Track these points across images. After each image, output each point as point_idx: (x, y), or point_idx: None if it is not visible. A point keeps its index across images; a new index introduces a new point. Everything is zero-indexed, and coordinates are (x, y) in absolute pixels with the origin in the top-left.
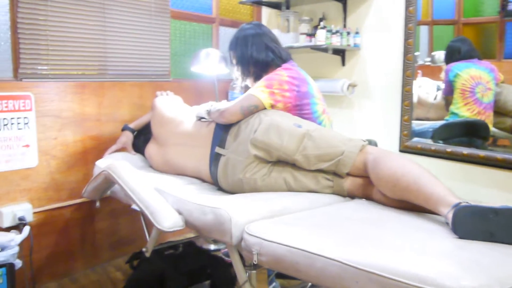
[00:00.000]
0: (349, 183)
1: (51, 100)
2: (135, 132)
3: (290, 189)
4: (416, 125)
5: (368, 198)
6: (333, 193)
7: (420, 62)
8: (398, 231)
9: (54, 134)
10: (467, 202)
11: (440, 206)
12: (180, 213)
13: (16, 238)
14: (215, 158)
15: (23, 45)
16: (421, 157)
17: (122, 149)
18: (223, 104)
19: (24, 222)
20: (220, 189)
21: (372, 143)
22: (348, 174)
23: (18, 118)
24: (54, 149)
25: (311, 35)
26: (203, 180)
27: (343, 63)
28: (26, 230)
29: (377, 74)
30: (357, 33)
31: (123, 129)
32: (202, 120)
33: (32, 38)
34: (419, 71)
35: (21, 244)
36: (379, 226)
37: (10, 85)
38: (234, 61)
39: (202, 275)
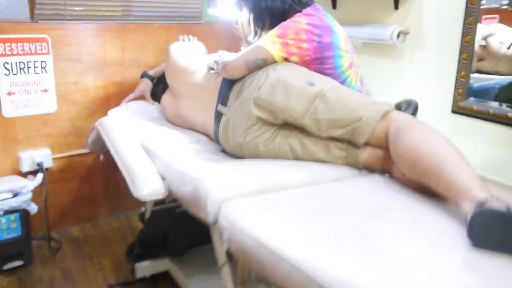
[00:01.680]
0: (366, 154)
1: (70, 44)
2: (155, 80)
3: (297, 158)
4: (479, 81)
5: (389, 173)
6: (347, 165)
7: (495, 5)
8: (402, 229)
9: (74, 79)
10: (498, 199)
11: (462, 199)
12: (164, 179)
13: (29, 184)
14: (217, 117)
15: None
16: (476, 121)
17: (140, 97)
18: (230, 55)
19: (42, 167)
20: (224, 150)
21: (411, 104)
22: (367, 144)
23: (35, 62)
24: (74, 95)
25: None
26: (211, 138)
27: (396, 6)
28: (40, 177)
29: (434, 20)
30: None
31: (142, 76)
32: (211, 71)
33: None
34: (496, 16)
35: (39, 189)
36: (381, 219)
37: (26, 27)
38: (245, 12)
39: (206, 237)
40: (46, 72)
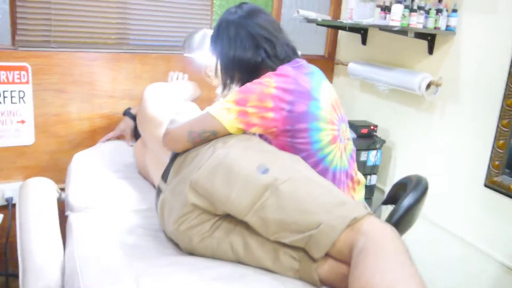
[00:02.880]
0: (326, 269)
1: (53, 73)
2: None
3: (238, 260)
4: None
5: None
6: (300, 279)
7: None
8: None
9: (56, 110)
10: None
11: None
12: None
13: None
14: (157, 192)
15: (20, 8)
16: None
17: (120, 137)
18: (186, 116)
19: (9, 202)
20: None
21: (420, 184)
22: (328, 255)
23: (12, 91)
24: (55, 127)
25: (386, 9)
26: None
27: (430, 51)
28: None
29: (473, 72)
30: (454, 11)
31: (124, 114)
32: None
33: None
34: None
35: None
36: None
37: (5, 54)
38: (214, 61)
39: None
40: (24, 102)
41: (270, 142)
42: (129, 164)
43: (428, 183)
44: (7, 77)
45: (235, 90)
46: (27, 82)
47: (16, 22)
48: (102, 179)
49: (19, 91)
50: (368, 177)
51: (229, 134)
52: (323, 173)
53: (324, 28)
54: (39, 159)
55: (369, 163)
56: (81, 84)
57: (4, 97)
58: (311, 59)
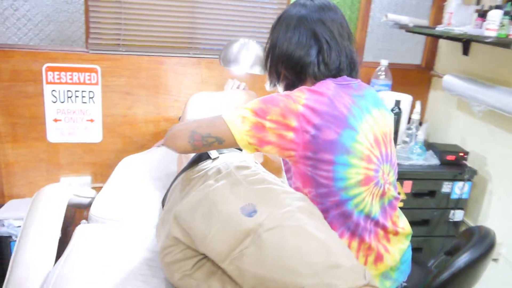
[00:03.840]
0: None
1: (121, 75)
2: None
3: None
4: None
5: None
6: None
7: None
8: None
9: (123, 111)
10: None
11: None
12: None
13: None
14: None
15: (93, 12)
16: None
17: None
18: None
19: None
20: None
21: (487, 237)
22: None
23: (83, 91)
24: (122, 127)
25: (484, 15)
26: None
27: None
28: None
29: None
30: None
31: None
32: None
33: (103, 4)
34: None
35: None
36: None
37: (78, 56)
38: (265, 51)
39: None
40: (94, 102)
41: (289, 168)
42: (171, 173)
43: (495, 240)
44: (78, 78)
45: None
46: (96, 83)
47: (89, 27)
48: (137, 187)
49: (89, 91)
50: (452, 212)
51: (239, 149)
52: (344, 217)
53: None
54: (105, 156)
55: (454, 196)
56: (147, 87)
57: (76, 96)
58: (404, 69)
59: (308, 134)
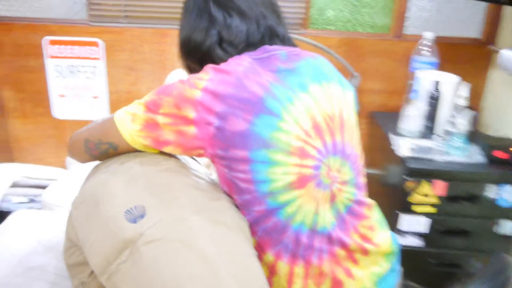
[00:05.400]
0: None
1: (123, 49)
2: None
3: None
4: None
5: None
6: None
7: None
8: None
9: (127, 87)
10: None
11: None
12: None
13: None
14: None
15: None
16: None
17: None
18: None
19: None
20: None
21: (502, 273)
22: None
23: (84, 66)
24: (127, 104)
25: None
26: None
27: None
28: None
29: None
30: None
31: None
32: None
33: None
34: None
35: None
36: None
37: (78, 29)
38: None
39: None
40: (97, 78)
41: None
42: None
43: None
44: (79, 52)
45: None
46: (98, 58)
47: None
48: None
49: (93, 66)
50: (498, 222)
51: (136, 150)
52: (277, 232)
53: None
54: None
55: (501, 203)
56: (152, 62)
57: (78, 71)
58: (456, 44)
59: (211, 127)
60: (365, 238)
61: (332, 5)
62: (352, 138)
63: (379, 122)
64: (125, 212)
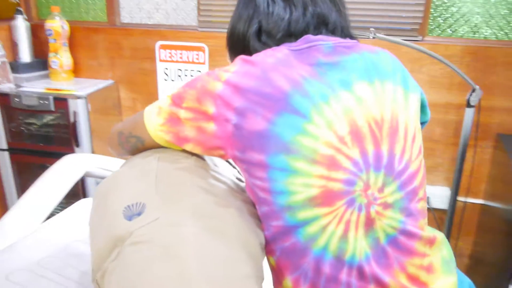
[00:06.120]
0: None
1: (223, 55)
2: None
3: None
4: None
5: None
6: None
7: None
8: None
9: None
10: None
11: None
12: None
13: None
14: None
15: None
16: None
17: None
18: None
19: None
20: None
21: None
22: None
23: (190, 70)
24: None
25: None
26: None
27: None
28: None
29: None
30: None
31: None
32: None
33: None
34: None
35: None
36: None
37: (186, 34)
38: None
39: None
40: None
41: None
42: None
43: None
44: (187, 57)
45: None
46: (203, 63)
47: (199, 3)
48: None
49: (197, 71)
50: None
51: (161, 147)
52: (296, 255)
53: None
54: None
55: None
56: None
57: (185, 75)
58: None
59: (229, 124)
60: (416, 280)
61: (465, 9)
62: (408, 151)
63: (507, 148)
64: (125, 208)
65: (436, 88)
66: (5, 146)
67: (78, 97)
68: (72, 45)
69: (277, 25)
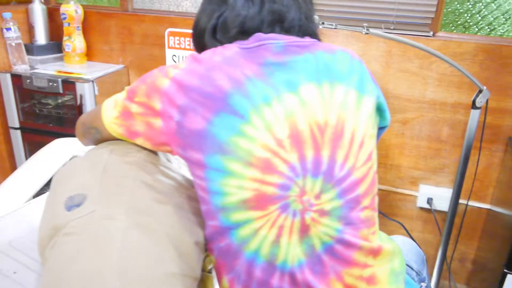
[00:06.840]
0: None
1: None
2: None
3: None
4: None
5: None
6: None
7: None
8: None
9: None
10: None
11: None
12: None
13: None
14: None
15: None
16: None
17: None
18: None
19: None
20: None
21: None
22: None
23: None
24: None
25: None
26: None
27: None
28: None
29: None
30: None
31: None
32: None
33: None
34: None
35: None
36: None
37: None
38: None
39: None
40: None
41: None
42: None
43: None
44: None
45: None
46: None
47: None
48: None
49: None
50: None
51: (116, 139)
52: (230, 256)
53: None
54: None
55: None
56: None
57: None
58: None
59: (172, 121)
60: (342, 281)
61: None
62: (352, 158)
63: None
64: (67, 198)
65: (445, 86)
66: (17, 125)
67: (85, 81)
68: (86, 29)
69: (233, 22)
